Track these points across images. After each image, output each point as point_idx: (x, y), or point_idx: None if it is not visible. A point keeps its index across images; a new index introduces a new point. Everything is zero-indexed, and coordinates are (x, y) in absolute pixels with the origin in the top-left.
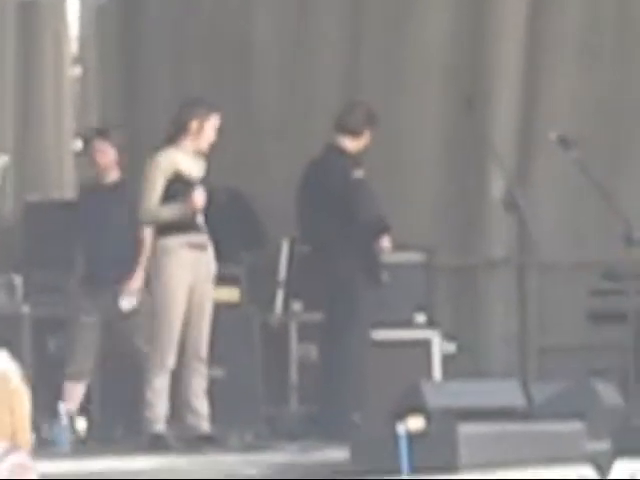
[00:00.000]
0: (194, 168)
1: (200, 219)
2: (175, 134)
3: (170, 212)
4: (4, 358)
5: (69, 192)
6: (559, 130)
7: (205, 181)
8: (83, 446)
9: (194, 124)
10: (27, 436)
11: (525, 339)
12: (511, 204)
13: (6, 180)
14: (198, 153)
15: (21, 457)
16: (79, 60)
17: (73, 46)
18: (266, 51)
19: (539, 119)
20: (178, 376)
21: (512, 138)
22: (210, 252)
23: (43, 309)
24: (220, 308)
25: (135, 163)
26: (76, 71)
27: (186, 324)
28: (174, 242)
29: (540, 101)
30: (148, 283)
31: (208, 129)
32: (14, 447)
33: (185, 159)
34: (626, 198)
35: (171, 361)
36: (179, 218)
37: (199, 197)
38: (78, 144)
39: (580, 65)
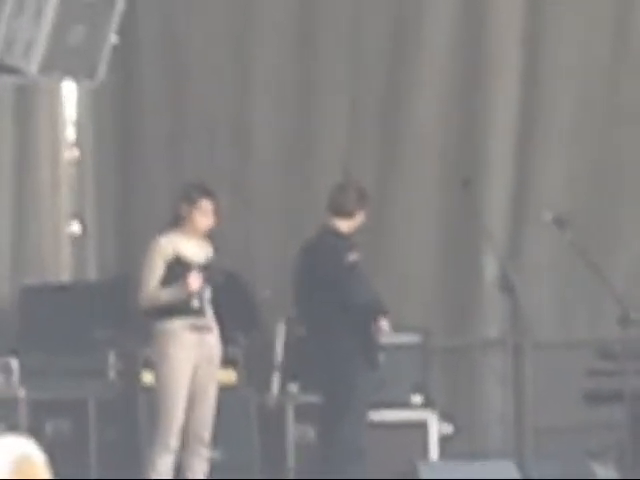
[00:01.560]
0: (196, 252)
1: (202, 302)
2: (176, 218)
3: (168, 295)
4: (30, 444)
5: (65, 275)
6: (553, 210)
7: (210, 264)
8: None
9: (184, 209)
10: None
11: (521, 419)
12: (505, 285)
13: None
14: (202, 236)
15: None
16: (76, 143)
17: (70, 129)
18: (263, 134)
19: (532, 200)
20: (180, 458)
21: (505, 219)
22: (215, 334)
23: (40, 392)
24: (218, 391)
25: (132, 246)
26: (73, 154)
27: (190, 407)
28: (176, 325)
29: (532, 182)
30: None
31: (197, 215)
32: None
33: (187, 243)
34: (618, 277)
35: (175, 443)
36: (178, 301)
37: (194, 280)
38: (75, 227)
39: (571, 146)
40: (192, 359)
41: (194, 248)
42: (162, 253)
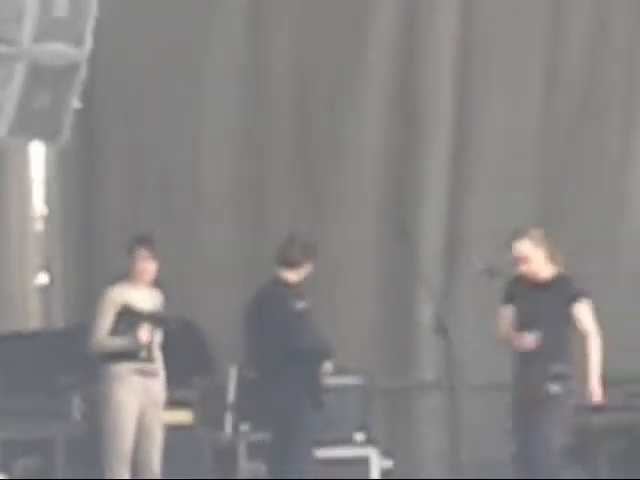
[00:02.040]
0: (145, 300)
1: (149, 349)
2: (127, 271)
3: (117, 344)
4: None
5: (34, 323)
6: (483, 260)
7: (158, 312)
8: None
9: (129, 261)
10: None
11: (456, 455)
12: (439, 328)
13: None
14: (149, 285)
15: None
16: (44, 200)
17: (37, 187)
18: (215, 191)
19: (463, 247)
20: None
21: (439, 264)
22: (160, 379)
23: (10, 432)
24: (173, 430)
25: (95, 295)
26: (41, 210)
27: (138, 446)
28: (124, 369)
29: (463, 230)
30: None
31: (138, 262)
32: None
33: (135, 292)
34: None
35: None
36: (126, 349)
37: (144, 333)
38: (42, 278)
39: (501, 196)
40: (138, 402)
41: (143, 296)
42: (112, 303)
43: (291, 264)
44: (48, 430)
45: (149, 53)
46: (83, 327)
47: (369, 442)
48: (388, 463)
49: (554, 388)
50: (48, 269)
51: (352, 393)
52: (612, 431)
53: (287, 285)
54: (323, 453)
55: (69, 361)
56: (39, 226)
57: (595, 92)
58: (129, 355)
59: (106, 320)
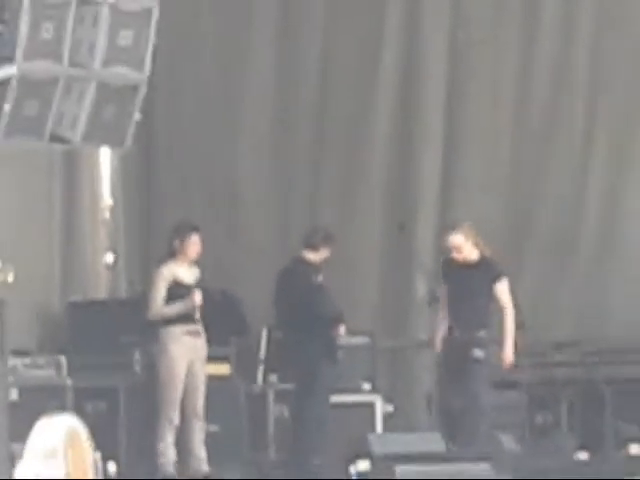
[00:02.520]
0: (188, 275)
1: (197, 314)
2: (172, 250)
3: (173, 310)
4: (77, 421)
5: (102, 293)
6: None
7: (202, 284)
8: None
9: (177, 243)
10: (91, 475)
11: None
12: (431, 300)
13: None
14: (191, 263)
15: None
16: (110, 194)
17: (105, 184)
18: (249, 186)
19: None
20: (183, 431)
21: (431, 251)
22: (203, 338)
23: (82, 382)
24: (215, 380)
25: (148, 272)
26: (108, 202)
27: (186, 392)
28: (177, 330)
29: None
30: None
31: (188, 245)
32: None
33: (180, 269)
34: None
35: (176, 420)
36: (179, 314)
37: (197, 297)
38: (109, 257)
39: (483, 198)
40: (187, 358)
41: (185, 272)
42: (164, 278)
43: (313, 247)
44: (113, 380)
45: (196, 74)
46: (141, 297)
47: (374, 390)
48: (389, 407)
49: (478, 352)
50: (113, 250)
51: (360, 351)
52: (570, 383)
53: (308, 263)
54: (336, 399)
55: (130, 324)
56: (106, 215)
57: (561, 110)
58: (181, 319)
59: (161, 292)
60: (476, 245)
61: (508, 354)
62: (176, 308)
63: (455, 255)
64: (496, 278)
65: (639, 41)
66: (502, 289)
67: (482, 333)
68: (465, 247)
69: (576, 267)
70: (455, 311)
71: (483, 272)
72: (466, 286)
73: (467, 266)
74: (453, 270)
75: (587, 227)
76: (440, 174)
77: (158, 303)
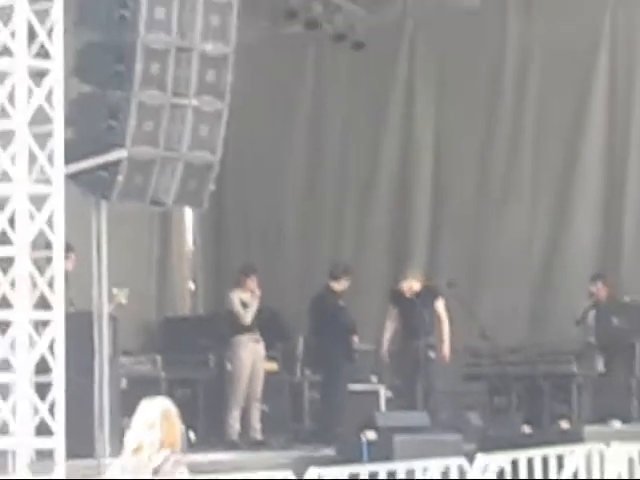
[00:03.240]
0: (250, 299)
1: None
2: (238, 282)
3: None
4: (170, 402)
5: (186, 311)
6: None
7: (260, 306)
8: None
9: (242, 277)
10: (180, 446)
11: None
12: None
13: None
14: (250, 290)
15: (178, 456)
16: (193, 241)
17: (189, 235)
18: (290, 233)
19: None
20: (245, 410)
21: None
22: (262, 344)
23: (172, 374)
24: (268, 374)
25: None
26: (190, 247)
27: (250, 382)
28: (244, 339)
29: (440, 259)
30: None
31: (251, 281)
32: (175, 452)
33: (243, 295)
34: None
35: (242, 401)
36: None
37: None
38: (191, 285)
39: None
40: (251, 359)
41: (248, 297)
42: (237, 299)
43: (336, 278)
44: (194, 374)
45: (252, 157)
46: (214, 314)
47: (379, 382)
48: (390, 394)
49: (431, 353)
50: (194, 280)
51: (369, 354)
52: (519, 376)
53: (333, 291)
54: (353, 387)
55: (206, 333)
56: (189, 255)
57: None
58: (246, 330)
59: (239, 307)
60: (419, 279)
61: (445, 353)
62: (249, 317)
63: (409, 293)
64: (435, 298)
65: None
66: (440, 307)
67: (432, 339)
68: (415, 285)
69: (524, 292)
70: (409, 324)
71: (426, 295)
72: (415, 307)
73: (415, 293)
74: (402, 298)
75: (532, 263)
76: (430, 221)
77: (242, 313)
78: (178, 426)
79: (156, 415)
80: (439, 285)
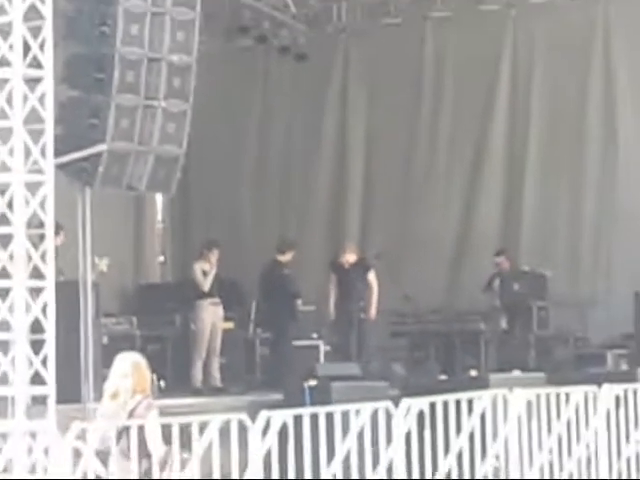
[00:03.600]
0: (209, 269)
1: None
2: (201, 254)
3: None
4: (139, 356)
5: (157, 279)
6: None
7: (218, 275)
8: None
9: (205, 251)
10: (150, 391)
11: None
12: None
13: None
14: (212, 262)
15: (150, 400)
16: (162, 220)
17: (159, 214)
18: (247, 216)
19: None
20: (207, 362)
21: None
22: (220, 307)
23: (145, 331)
24: (225, 332)
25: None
26: (160, 225)
27: (210, 338)
28: (205, 302)
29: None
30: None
31: (213, 254)
32: (147, 396)
33: (205, 265)
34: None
35: (204, 354)
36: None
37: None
38: (160, 257)
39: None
40: (211, 317)
41: (207, 267)
42: (199, 270)
43: (283, 251)
44: (164, 332)
45: (212, 149)
46: (181, 282)
47: (320, 338)
48: (328, 348)
49: (362, 315)
50: (164, 253)
51: (311, 314)
52: (436, 333)
53: (280, 262)
54: (297, 343)
55: (174, 297)
56: (160, 232)
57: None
58: (207, 295)
59: (200, 276)
60: (355, 253)
61: (372, 313)
62: (208, 281)
63: (346, 264)
64: (368, 269)
65: None
66: (371, 276)
67: (363, 303)
68: (351, 257)
69: (441, 263)
70: (345, 291)
71: (360, 267)
72: (351, 276)
73: (350, 264)
74: (341, 268)
75: (448, 239)
76: (362, 204)
77: (202, 281)
78: (148, 375)
79: (128, 366)
80: (370, 257)
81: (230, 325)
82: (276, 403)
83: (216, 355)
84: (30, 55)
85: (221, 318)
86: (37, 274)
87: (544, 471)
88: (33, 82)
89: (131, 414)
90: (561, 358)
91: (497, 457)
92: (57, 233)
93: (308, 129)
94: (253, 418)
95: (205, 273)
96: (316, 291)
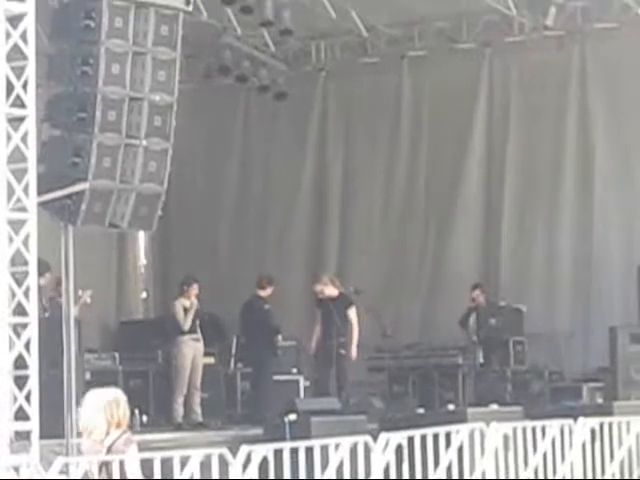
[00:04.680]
0: (190, 305)
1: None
2: (181, 292)
3: (187, 324)
4: (113, 391)
5: (140, 315)
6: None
7: (199, 310)
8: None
9: (185, 287)
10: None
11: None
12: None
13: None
14: (192, 297)
15: (129, 435)
16: (145, 257)
17: (142, 251)
18: (226, 255)
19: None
20: (187, 397)
21: None
22: (201, 342)
23: (128, 367)
24: (206, 367)
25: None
26: (143, 262)
27: (191, 373)
28: (186, 337)
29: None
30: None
31: (193, 290)
32: (125, 432)
33: (186, 302)
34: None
35: (185, 389)
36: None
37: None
38: (144, 294)
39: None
40: (191, 353)
41: (188, 304)
42: (181, 307)
43: (262, 287)
44: (146, 367)
45: (192, 189)
46: (163, 318)
47: (299, 373)
48: (307, 383)
49: (342, 351)
50: (146, 289)
51: (291, 349)
52: (414, 368)
53: (260, 298)
54: (277, 378)
55: (156, 334)
56: (142, 269)
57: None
58: (189, 331)
59: (182, 314)
60: (335, 287)
61: (354, 352)
62: (188, 324)
63: (321, 296)
64: (348, 306)
65: None
66: (351, 313)
67: (344, 339)
68: (327, 289)
69: (418, 298)
70: (325, 327)
71: (340, 303)
72: (331, 311)
73: (331, 299)
74: (323, 303)
75: (424, 274)
76: (339, 239)
77: (182, 318)
78: (124, 410)
79: (100, 402)
80: (350, 293)
81: (211, 360)
82: (256, 438)
83: (197, 390)
84: (13, 94)
85: (202, 353)
86: (21, 310)
87: None
88: (16, 121)
89: (109, 449)
90: (537, 392)
91: None
92: (42, 274)
93: (287, 167)
94: (234, 453)
95: (186, 310)
96: (296, 326)
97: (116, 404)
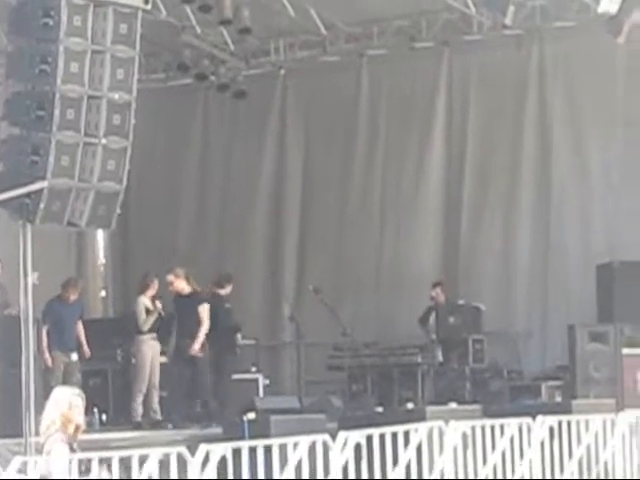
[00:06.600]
0: (150, 304)
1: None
2: (141, 289)
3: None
4: (77, 392)
5: (99, 314)
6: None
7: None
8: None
9: (144, 284)
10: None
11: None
12: (291, 317)
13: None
14: (155, 295)
15: (62, 436)
16: (103, 255)
17: (101, 249)
18: (182, 250)
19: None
20: (147, 396)
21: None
22: (157, 341)
23: (86, 366)
24: (162, 365)
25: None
26: (102, 260)
27: (149, 372)
28: (146, 337)
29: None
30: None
31: (154, 286)
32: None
33: (147, 300)
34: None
35: (144, 389)
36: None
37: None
38: (103, 292)
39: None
40: (150, 352)
41: (149, 302)
42: (142, 305)
43: (222, 286)
44: (105, 365)
45: (152, 185)
46: (122, 316)
47: (258, 371)
48: (267, 382)
49: (195, 347)
50: (105, 288)
51: (249, 347)
52: (373, 366)
53: (220, 296)
54: (236, 376)
55: (115, 332)
56: (101, 268)
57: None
58: (148, 330)
59: (143, 312)
60: (188, 283)
61: (196, 348)
62: (150, 323)
63: (170, 288)
64: (200, 303)
65: None
66: (202, 310)
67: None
68: (177, 283)
69: (377, 297)
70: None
71: (192, 299)
72: (183, 307)
73: (183, 296)
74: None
75: (383, 273)
76: (298, 239)
77: (143, 319)
78: (81, 411)
79: (67, 399)
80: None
81: (165, 359)
82: (215, 436)
83: (155, 389)
84: None
85: (158, 352)
86: None
87: None
88: None
89: (42, 447)
90: (496, 390)
91: None
92: None
93: (247, 165)
94: (192, 451)
95: (149, 311)
96: (255, 325)
97: (68, 404)
